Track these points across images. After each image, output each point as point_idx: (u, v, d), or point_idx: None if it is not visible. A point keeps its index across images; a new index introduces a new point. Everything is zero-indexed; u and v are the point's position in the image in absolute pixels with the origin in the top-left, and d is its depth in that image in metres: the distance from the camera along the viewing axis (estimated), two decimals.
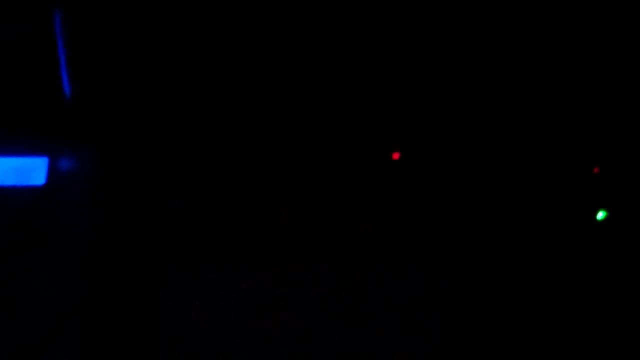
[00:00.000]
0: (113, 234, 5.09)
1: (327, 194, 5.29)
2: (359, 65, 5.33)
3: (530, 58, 5.28)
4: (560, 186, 5.23)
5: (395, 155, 5.29)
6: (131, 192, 5.18)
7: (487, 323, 5.04)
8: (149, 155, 5.26)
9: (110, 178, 5.18)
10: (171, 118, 5.32)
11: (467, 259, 5.14)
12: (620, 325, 4.97)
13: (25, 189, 5.08)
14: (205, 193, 5.26)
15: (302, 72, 5.34)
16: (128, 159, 5.22)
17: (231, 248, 5.17)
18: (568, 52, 5.28)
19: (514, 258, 5.13)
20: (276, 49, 5.30)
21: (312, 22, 5.28)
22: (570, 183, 5.24)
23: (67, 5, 4.98)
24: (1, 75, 5.12)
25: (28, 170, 5.08)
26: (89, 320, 4.90)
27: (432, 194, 5.27)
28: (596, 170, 5.21)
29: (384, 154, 5.31)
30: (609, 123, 5.29)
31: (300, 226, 5.23)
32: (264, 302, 5.06)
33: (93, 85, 5.15)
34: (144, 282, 5.05)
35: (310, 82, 5.35)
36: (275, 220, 5.23)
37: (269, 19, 5.26)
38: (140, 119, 5.29)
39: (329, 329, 5.04)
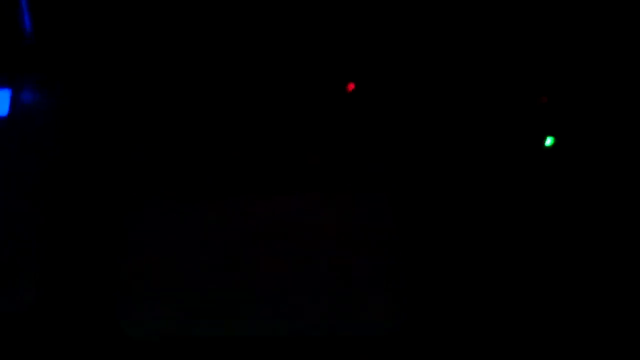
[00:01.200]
0: (74, 167, 5.16)
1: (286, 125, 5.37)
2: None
3: None
4: (508, 115, 5.30)
5: (351, 86, 5.37)
6: (94, 125, 5.26)
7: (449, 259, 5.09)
8: (113, 89, 5.34)
9: (73, 111, 5.26)
10: (137, 50, 5.40)
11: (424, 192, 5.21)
12: (570, 258, 5.00)
13: None
14: (170, 130, 5.34)
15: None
16: (90, 92, 5.30)
17: (197, 182, 5.24)
18: None
19: (467, 187, 5.19)
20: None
21: None
22: (517, 112, 5.30)
23: None
24: None
25: None
26: (47, 254, 4.94)
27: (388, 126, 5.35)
28: (544, 99, 5.27)
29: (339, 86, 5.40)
30: (556, 51, 5.35)
31: (261, 159, 5.30)
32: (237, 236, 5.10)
33: (54, 19, 5.23)
34: (105, 216, 5.09)
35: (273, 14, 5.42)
36: (240, 155, 5.30)
37: None
38: (105, 52, 5.37)
39: (308, 262, 5.07)
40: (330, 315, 4.85)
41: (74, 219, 5.01)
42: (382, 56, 5.42)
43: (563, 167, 5.18)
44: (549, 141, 5.16)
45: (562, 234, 5.01)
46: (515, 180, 5.14)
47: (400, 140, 5.27)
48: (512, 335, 4.79)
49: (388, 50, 5.43)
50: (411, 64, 5.42)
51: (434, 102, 5.34)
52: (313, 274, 4.95)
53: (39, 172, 5.08)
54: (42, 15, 5.23)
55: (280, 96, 5.39)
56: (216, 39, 5.46)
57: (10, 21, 5.20)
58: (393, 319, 4.85)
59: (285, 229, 5.06)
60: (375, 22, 5.45)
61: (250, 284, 4.93)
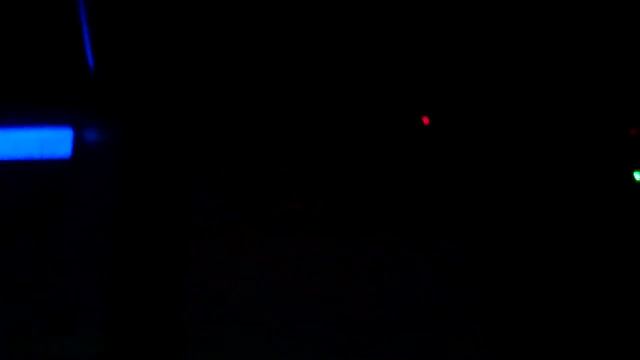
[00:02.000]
0: (138, 207, 5.02)
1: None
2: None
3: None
4: (596, 147, 5.13)
5: (425, 120, 5.20)
6: (156, 164, 5.11)
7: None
8: (173, 127, 5.19)
9: (135, 150, 5.11)
10: (194, 88, 5.25)
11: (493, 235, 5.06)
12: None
13: (51, 161, 5.03)
14: (230, 164, 5.19)
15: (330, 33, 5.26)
16: (153, 131, 5.15)
17: (263, 216, 5.09)
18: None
19: (552, 233, 5.04)
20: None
21: None
22: (606, 144, 5.14)
23: None
24: (25, 46, 5.06)
25: (53, 142, 5.03)
26: (114, 296, 4.83)
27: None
28: (633, 132, 5.11)
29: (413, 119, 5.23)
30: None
31: (332, 199, 5.14)
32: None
33: (117, 56, 5.08)
34: (170, 256, 4.97)
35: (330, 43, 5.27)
36: (308, 192, 5.15)
37: None
38: (165, 90, 5.22)
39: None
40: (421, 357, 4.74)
41: (141, 263, 4.89)
42: (462, 94, 5.26)
43: None
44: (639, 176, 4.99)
45: None
46: (604, 227, 4.99)
47: (482, 184, 5.12)
48: None
49: (468, 88, 5.27)
50: (493, 100, 5.26)
51: (517, 140, 5.18)
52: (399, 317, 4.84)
53: (104, 213, 4.94)
54: (106, 51, 5.08)
55: (372, 136, 5.24)
56: (291, 78, 5.31)
57: (72, 57, 5.05)
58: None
59: (364, 271, 4.93)
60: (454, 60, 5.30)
61: (330, 327, 4.82)
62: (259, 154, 5.21)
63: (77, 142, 5.05)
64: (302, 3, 5.20)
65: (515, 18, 5.19)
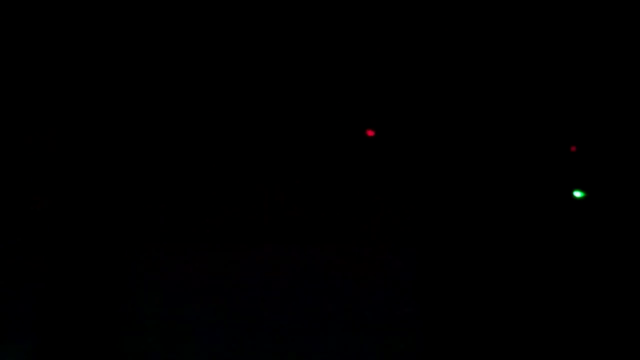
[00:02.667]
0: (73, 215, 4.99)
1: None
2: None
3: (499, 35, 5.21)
4: (536, 164, 5.15)
5: (370, 133, 5.21)
6: (93, 167, 5.09)
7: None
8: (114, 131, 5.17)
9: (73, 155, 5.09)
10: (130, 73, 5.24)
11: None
12: (596, 303, 4.90)
13: None
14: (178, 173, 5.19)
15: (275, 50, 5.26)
16: (89, 135, 5.14)
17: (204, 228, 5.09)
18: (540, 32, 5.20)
19: (496, 243, 5.06)
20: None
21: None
22: (546, 162, 5.16)
23: None
24: None
25: None
26: (47, 301, 4.77)
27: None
28: (573, 149, 5.13)
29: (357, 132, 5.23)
30: (585, 101, 5.21)
31: (275, 206, 5.15)
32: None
33: None
34: (107, 262, 4.95)
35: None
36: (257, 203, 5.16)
37: None
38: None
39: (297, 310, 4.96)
40: None
41: (75, 266, 4.88)
42: (405, 103, 5.27)
43: (593, 220, 5.05)
44: (578, 194, 5.01)
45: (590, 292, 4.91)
46: (542, 232, 5.02)
47: (425, 192, 5.13)
48: None
49: (410, 98, 5.28)
50: (433, 110, 5.27)
51: (460, 152, 5.19)
52: (322, 325, 4.84)
53: (38, 220, 4.93)
54: None
55: (298, 142, 5.24)
56: (233, 90, 5.30)
57: None
58: None
59: (291, 279, 4.95)
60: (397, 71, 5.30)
61: (254, 331, 4.82)
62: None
63: None
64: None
65: (458, 34, 5.20)
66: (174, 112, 5.20)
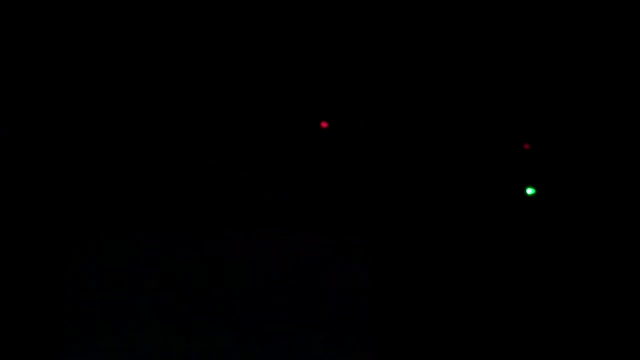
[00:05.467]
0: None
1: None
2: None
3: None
4: (490, 162, 5.19)
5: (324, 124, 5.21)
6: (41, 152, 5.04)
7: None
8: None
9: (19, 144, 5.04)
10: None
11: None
12: (546, 297, 4.95)
13: None
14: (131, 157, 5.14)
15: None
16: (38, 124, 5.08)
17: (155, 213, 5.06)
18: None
19: (446, 235, 5.09)
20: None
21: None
22: (499, 159, 5.19)
23: None
24: None
25: None
26: None
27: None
28: (527, 146, 5.17)
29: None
30: (539, 100, 5.26)
31: (226, 195, 5.14)
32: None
33: None
34: (51, 248, 4.89)
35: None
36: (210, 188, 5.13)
37: None
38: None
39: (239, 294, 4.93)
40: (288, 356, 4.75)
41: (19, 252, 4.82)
42: (360, 95, 5.28)
43: (545, 217, 5.09)
44: (530, 191, 5.06)
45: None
46: (495, 226, 5.06)
47: (380, 183, 5.14)
48: None
49: (368, 89, 5.29)
50: (391, 103, 5.29)
51: (417, 145, 5.21)
52: (272, 314, 4.83)
53: None
54: None
55: (256, 132, 5.23)
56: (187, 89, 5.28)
57: None
58: None
59: (240, 264, 4.93)
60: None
61: (199, 316, 4.80)
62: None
63: None
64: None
65: (412, 31, 5.23)
66: (114, 93, 5.17)
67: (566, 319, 4.93)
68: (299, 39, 5.23)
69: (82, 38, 5.12)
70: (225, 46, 5.24)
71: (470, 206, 5.08)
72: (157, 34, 5.19)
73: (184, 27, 5.20)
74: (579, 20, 5.23)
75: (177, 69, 5.22)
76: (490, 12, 5.22)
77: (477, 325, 4.90)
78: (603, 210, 5.08)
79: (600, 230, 5.06)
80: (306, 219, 5.07)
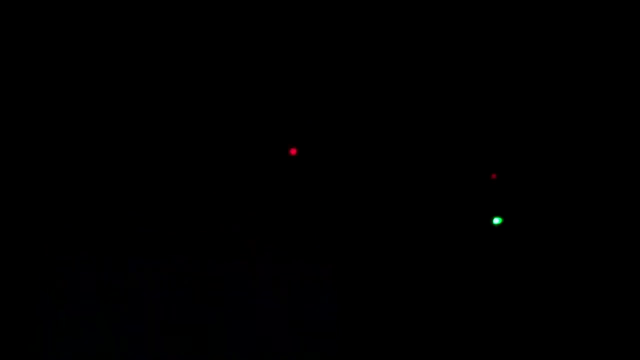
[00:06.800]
0: None
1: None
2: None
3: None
4: (458, 191, 5.21)
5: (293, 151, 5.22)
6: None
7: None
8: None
9: None
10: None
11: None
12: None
13: None
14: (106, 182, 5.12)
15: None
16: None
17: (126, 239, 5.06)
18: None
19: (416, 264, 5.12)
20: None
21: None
22: (467, 188, 5.22)
23: None
24: None
25: None
26: None
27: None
28: (494, 176, 5.19)
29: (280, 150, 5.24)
30: (505, 129, 5.28)
31: (195, 219, 5.14)
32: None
33: None
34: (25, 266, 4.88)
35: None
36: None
37: None
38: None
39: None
40: None
41: None
42: (331, 119, 5.29)
43: (512, 246, 5.13)
44: (497, 220, 5.09)
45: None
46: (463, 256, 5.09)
47: (348, 211, 5.15)
48: None
49: (335, 122, 5.30)
50: (363, 128, 5.30)
51: (387, 174, 5.23)
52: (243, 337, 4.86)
53: None
54: None
55: (229, 157, 5.22)
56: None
57: None
58: None
59: (213, 292, 4.94)
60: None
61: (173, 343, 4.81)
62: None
63: None
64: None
65: (380, 56, 5.24)
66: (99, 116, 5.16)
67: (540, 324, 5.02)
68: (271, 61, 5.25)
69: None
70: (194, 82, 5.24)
71: (434, 231, 5.12)
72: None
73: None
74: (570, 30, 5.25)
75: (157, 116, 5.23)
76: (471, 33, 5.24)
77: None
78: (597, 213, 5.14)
79: (591, 232, 5.12)
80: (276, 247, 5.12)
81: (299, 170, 5.23)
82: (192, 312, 4.95)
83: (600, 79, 5.20)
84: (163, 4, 5.07)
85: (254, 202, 5.18)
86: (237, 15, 5.10)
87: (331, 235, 5.18)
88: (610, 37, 5.16)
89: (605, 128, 5.23)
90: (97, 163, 5.10)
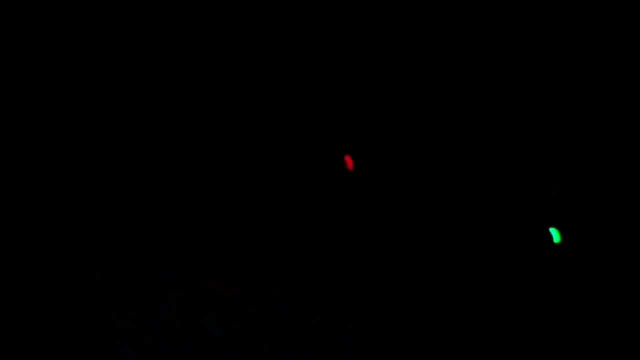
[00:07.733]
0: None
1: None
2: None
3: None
4: (516, 203, 5.16)
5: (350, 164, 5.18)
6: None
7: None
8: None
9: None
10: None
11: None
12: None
13: None
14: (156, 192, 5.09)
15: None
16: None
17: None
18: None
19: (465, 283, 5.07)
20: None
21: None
22: (525, 203, 5.17)
23: None
24: None
25: None
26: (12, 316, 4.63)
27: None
28: (554, 190, 5.14)
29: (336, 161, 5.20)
30: (566, 142, 5.24)
31: (248, 231, 5.10)
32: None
33: None
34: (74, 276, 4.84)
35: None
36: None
37: None
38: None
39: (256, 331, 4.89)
40: None
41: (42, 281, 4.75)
42: (387, 137, 5.25)
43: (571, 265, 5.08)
44: (556, 237, 5.03)
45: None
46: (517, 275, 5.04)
47: (401, 227, 5.12)
48: None
49: (394, 131, 5.26)
50: (416, 145, 5.26)
51: (439, 189, 5.18)
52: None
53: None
54: None
55: (279, 171, 5.19)
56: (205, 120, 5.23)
57: None
58: None
59: (263, 303, 4.90)
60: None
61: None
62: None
63: None
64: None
65: (435, 71, 5.21)
66: (143, 128, 5.12)
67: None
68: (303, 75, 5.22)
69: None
70: (227, 80, 5.21)
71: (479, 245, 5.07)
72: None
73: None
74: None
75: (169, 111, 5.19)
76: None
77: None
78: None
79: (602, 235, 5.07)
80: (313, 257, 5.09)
81: (343, 183, 5.19)
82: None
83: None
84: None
85: (299, 215, 5.13)
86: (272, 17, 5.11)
87: (376, 249, 5.14)
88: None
89: None
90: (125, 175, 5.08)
